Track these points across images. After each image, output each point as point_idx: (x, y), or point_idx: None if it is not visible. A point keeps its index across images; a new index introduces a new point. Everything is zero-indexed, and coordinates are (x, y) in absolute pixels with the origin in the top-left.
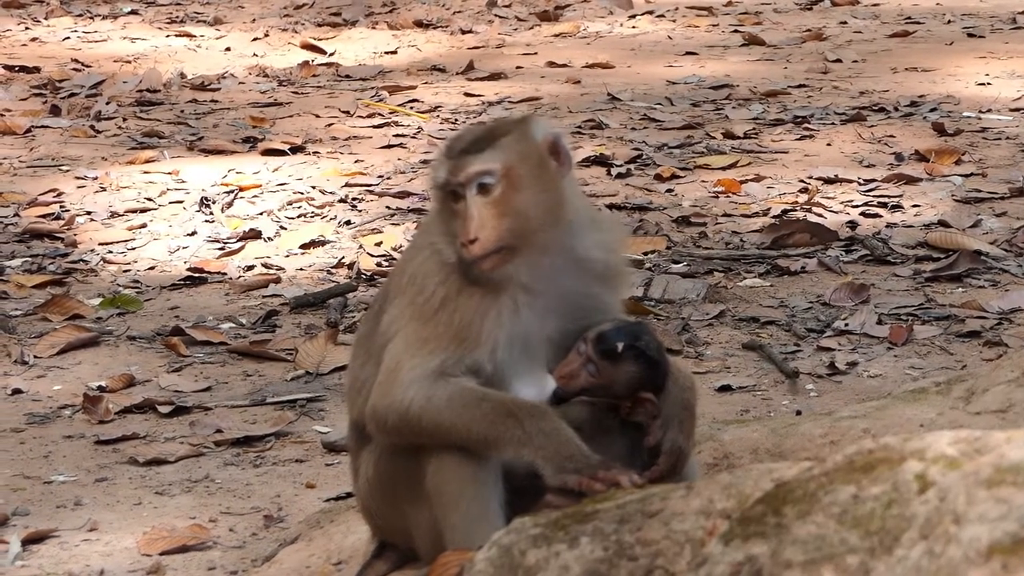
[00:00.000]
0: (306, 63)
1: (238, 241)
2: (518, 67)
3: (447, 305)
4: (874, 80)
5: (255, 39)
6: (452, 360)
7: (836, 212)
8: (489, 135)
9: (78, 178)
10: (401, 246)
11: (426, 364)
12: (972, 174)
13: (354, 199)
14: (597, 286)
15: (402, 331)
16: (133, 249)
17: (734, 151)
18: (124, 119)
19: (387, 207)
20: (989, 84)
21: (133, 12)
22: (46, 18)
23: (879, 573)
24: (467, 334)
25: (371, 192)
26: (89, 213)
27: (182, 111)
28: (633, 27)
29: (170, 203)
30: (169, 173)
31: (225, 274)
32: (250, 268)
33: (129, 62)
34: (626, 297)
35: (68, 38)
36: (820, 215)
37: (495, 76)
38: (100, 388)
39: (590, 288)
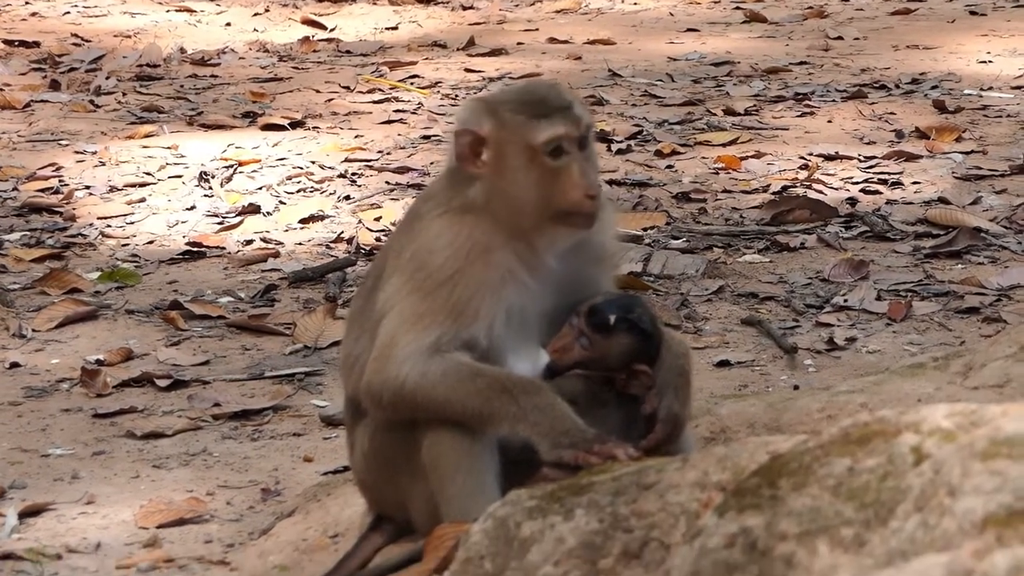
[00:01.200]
0: (306, 38)
1: (237, 215)
2: (519, 43)
3: (450, 280)
4: (875, 57)
5: (255, 14)
6: (448, 336)
7: (836, 189)
8: (558, 92)
9: (77, 152)
10: (399, 221)
11: (421, 340)
12: (972, 151)
13: (354, 174)
14: (592, 266)
15: (398, 306)
16: (132, 223)
17: (735, 128)
18: (124, 94)
19: (386, 182)
20: (990, 62)
21: None
22: None
23: (874, 545)
24: (465, 309)
25: (371, 167)
26: (88, 187)
27: (182, 86)
28: (634, 3)
29: (169, 178)
30: (168, 148)
31: (224, 248)
32: (249, 242)
33: (129, 37)
34: (619, 276)
35: (68, 13)
36: (820, 192)
37: (496, 52)
38: (98, 362)
39: (585, 268)
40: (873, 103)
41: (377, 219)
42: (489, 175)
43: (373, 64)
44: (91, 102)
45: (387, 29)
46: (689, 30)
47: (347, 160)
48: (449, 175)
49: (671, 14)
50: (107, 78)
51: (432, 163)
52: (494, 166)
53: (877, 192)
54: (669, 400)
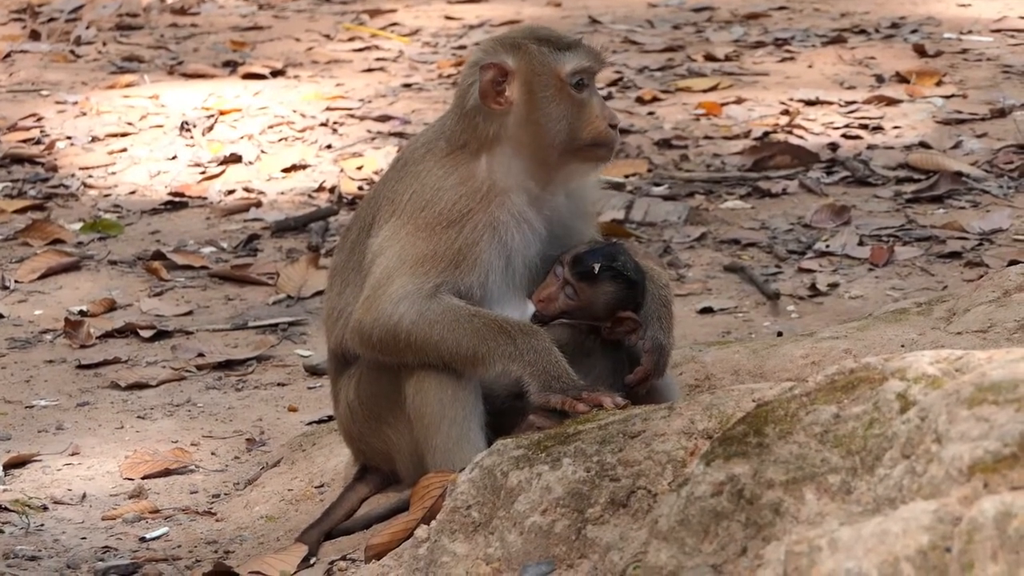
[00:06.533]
0: None
1: (219, 165)
2: None
3: (459, 222)
4: (855, 1)
5: None
6: (449, 284)
7: (817, 134)
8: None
9: (58, 103)
10: (382, 169)
11: (420, 283)
12: (953, 95)
13: (335, 123)
14: (579, 220)
15: (396, 246)
16: (114, 174)
17: (715, 73)
18: (104, 43)
19: (368, 131)
20: (970, 5)
21: None
22: None
23: (861, 492)
24: (468, 253)
25: (352, 116)
26: (70, 138)
27: (162, 35)
28: None
29: (150, 127)
30: (149, 97)
31: (206, 198)
32: (231, 192)
33: None
34: (599, 223)
35: None
36: (801, 137)
37: None
38: (81, 313)
39: (570, 220)
40: (853, 47)
41: (359, 168)
42: (515, 110)
43: (353, 12)
44: (71, 52)
45: None
46: None
47: (328, 109)
48: (453, 117)
49: None
50: (87, 27)
51: (413, 111)
52: (522, 100)
53: (858, 137)
54: (654, 330)
